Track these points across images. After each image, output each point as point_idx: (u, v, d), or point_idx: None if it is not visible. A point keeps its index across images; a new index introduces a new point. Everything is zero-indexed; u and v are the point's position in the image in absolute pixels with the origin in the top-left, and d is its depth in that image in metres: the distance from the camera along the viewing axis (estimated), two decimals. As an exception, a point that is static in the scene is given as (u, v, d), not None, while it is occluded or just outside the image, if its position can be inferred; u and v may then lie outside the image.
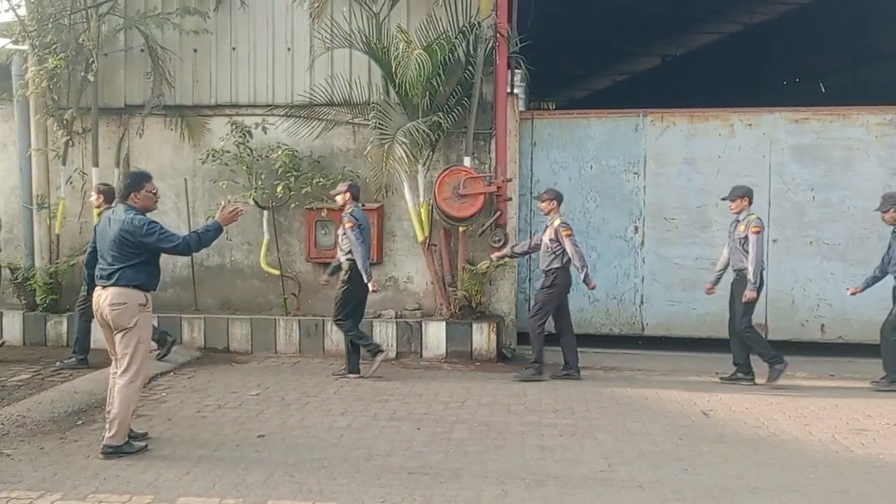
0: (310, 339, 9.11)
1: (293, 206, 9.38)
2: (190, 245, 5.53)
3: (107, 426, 5.38)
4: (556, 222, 7.88)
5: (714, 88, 16.20)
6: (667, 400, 7.18)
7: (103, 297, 5.39)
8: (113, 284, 5.36)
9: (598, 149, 9.51)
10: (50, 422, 6.13)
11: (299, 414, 6.57)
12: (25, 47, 9.27)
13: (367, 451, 5.55)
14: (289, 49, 9.47)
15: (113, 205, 6.66)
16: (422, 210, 9.02)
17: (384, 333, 8.95)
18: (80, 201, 9.79)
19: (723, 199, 8.02)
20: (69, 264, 9.49)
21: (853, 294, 7.91)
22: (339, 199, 8.02)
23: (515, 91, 9.48)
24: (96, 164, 9.48)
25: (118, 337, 5.38)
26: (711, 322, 9.27)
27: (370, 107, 9.01)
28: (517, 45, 9.05)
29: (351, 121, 9.35)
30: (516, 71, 9.64)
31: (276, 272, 9.43)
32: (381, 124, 8.63)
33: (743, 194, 7.82)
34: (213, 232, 5.53)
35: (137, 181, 5.59)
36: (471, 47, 8.82)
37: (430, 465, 5.25)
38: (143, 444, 5.52)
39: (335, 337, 9.05)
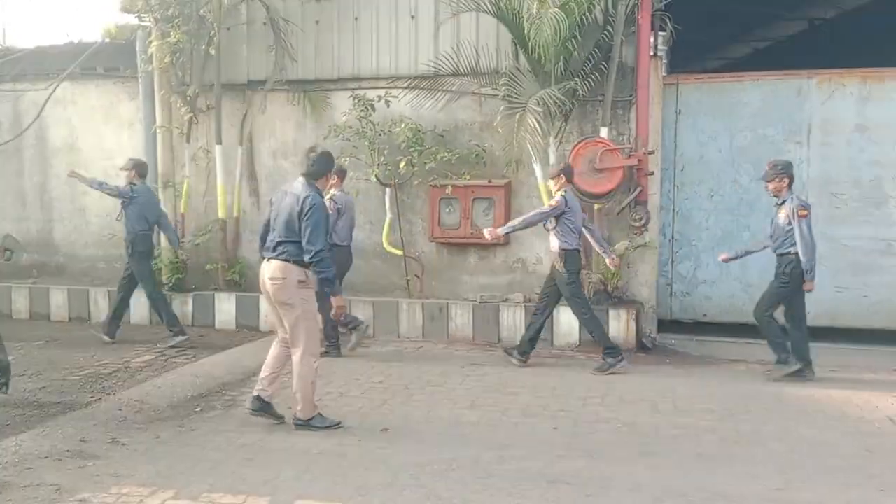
0: (433, 322, 8.62)
1: (416, 182, 8.89)
2: (324, 266, 5.26)
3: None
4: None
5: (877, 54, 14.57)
6: (841, 401, 6.22)
7: (266, 270, 5.37)
8: (275, 258, 5.33)
9: (754, 116, 8.47)
10: (168, 408, 5.90)
11: (425, 406, 6.08)
12: (149, 23, 9.19)
13: (500, 452, 4.97)
14: (412, 16, 8.94)
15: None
16: (554, 186, 8.33)
17: (512, 319, 8.35)
18: (204, 180, 9.69)
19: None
20: (194, 243, 9.42)
21: (725, 261, 7.49)
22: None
23: (659, 54, 8.56)
24: (219, 142, 9.33)
25: (281, 312, 5.36)
26: (887, 311, 8.18)
27: (498, 75, 8.38)
28: (661, 1, 8.16)
29: (478, 91, 8.73)
30: (660, 33, 8.73)
31: (399, 253, 8.99)
32: (511, 93, 7.97)
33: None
34: (330, 286, 5.39)
35: (332, 163, 5.63)
36: (610, 5, 7.96)
37: (571, 473, 4.61)
38: (337, 420, 5.51)
39: (459, 321, 8.55)
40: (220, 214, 9.41)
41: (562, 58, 7.83)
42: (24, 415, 5.68)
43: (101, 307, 9.56)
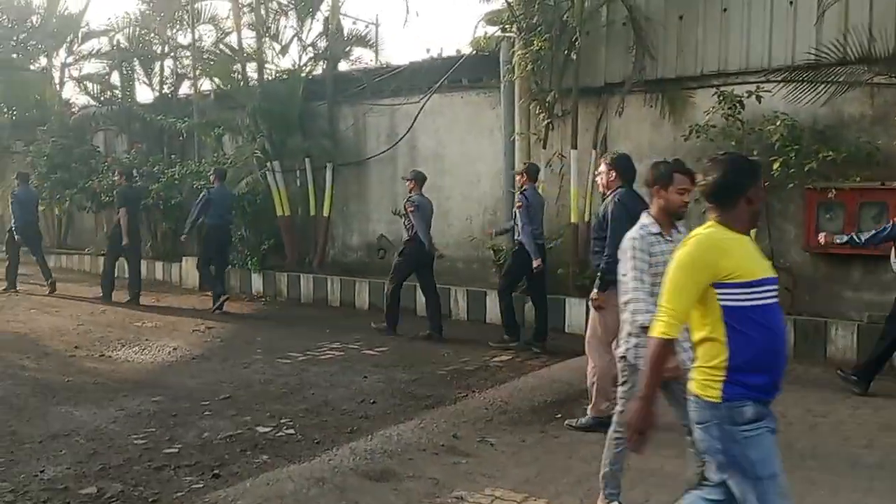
0: (807, 342, 7.68)
1: (790, 185, 8.00)
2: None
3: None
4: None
5: None
6: None
7: None
8: None
9: None
10: (530, 412, 5.90)
11: (807, 439, 5.34)
12: (513, 33, 9.46)
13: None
14: (791, 2, 8.07)
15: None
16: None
17: None
18: (557, 184, 9.74)
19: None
20: (546, 247, 9.46)
21: None
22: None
23: None
24: (574, 147, 9.31)
25: None
26: None
27: (898, 61, 7.21)
28: None
29: (870, 80, 7.60)
30: None
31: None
32: (916, 80, 6.80)
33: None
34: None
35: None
36: None
37: None
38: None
39: (840, 343, 7.52)
40: (573, 219, 9.38)
41: None
42: (402, 405, 6.07)
43: (460, 306, 10.08)
